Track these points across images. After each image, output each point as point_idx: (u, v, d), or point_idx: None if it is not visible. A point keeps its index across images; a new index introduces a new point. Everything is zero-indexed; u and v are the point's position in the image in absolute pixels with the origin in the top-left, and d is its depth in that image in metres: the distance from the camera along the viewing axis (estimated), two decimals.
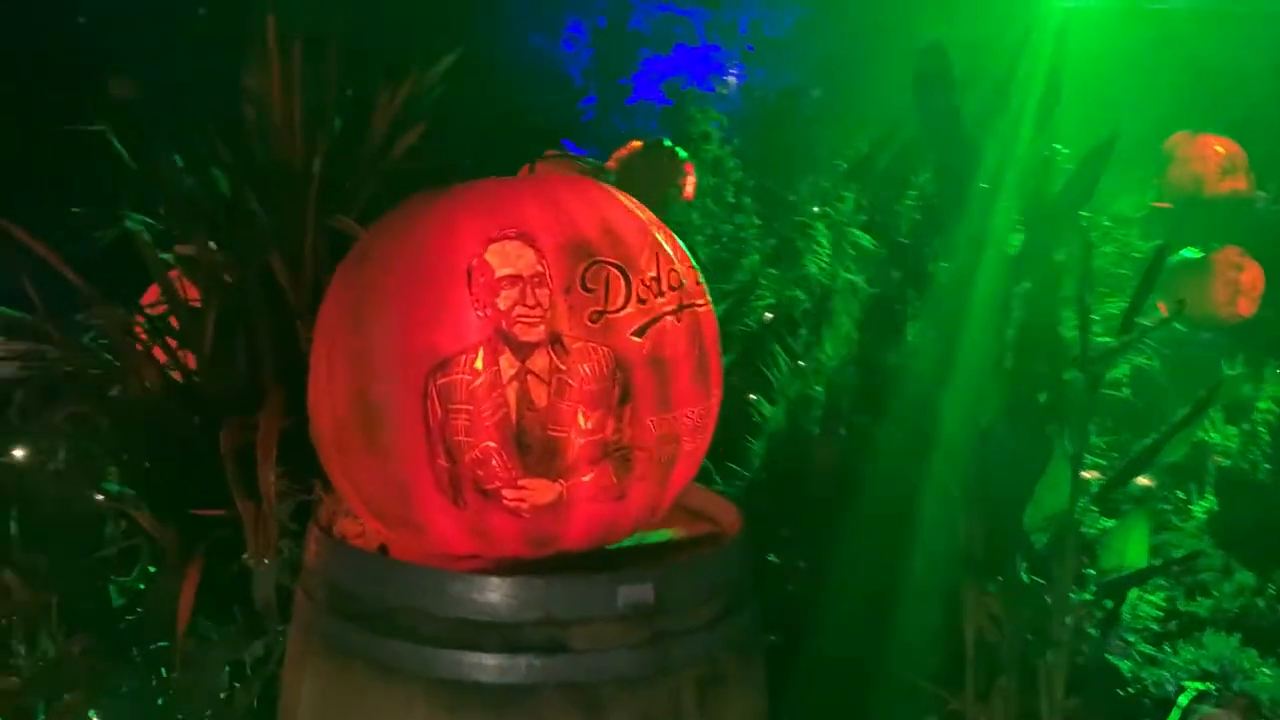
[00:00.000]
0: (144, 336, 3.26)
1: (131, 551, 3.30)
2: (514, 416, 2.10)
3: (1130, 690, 3.49)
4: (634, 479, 2.20)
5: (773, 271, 5.45)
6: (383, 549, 2.31)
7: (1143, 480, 4.13)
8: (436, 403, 2.09)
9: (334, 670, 2.20)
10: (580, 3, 9.98)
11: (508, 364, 2.09)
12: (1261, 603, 4.02)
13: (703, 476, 3.40)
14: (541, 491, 2.14)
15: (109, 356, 3.29)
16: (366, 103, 3.41)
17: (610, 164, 7.26)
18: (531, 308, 2.09)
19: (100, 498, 3.23)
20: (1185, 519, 4.36)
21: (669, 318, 2.21)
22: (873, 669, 3.30)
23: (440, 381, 2.08)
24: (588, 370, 2.12)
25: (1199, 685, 3.49)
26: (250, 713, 2.91)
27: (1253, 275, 5.68)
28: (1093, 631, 3.34)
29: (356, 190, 3.24)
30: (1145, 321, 3.31)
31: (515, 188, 2.23)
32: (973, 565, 3.03)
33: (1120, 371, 4.19)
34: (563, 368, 2.10)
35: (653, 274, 2.21)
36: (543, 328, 2.10)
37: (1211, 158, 6.23)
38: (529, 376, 2.10)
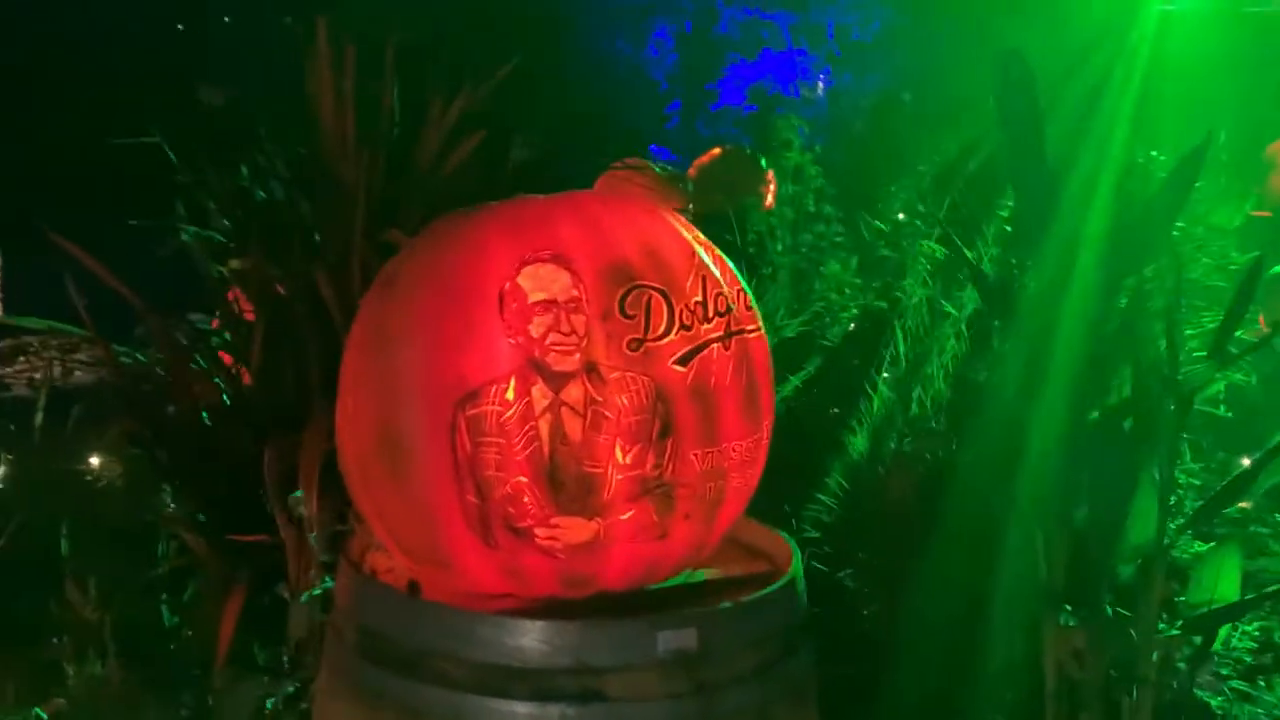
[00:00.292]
0: (197, 352, 3.21)
1: (185, 570, 3.26)
2: (547, 450, 1.98)
3: None
4: (677, 517, 2.07)
5: (857, 281, 5.33)
6: (413, 585, 2.20)
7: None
8: (465, 435, 1.98)
9: (362, 714, 2.10)
10: (667, 8, 9.90)
11: (540, 395, 1.97)
12: None
13: (775, 498, 3.30)
14: (576, 530, 2.02)
15: (162, 372, 3.24)
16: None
17: (690, 172, 7.16)
18: (566, 335, 1.97)
19: (154, 515, 3.18)
20: None
21: (715, 345, 2.08)
22: (950, 704, 3.20)
23: (469, 413, 1.97)
24: (626, 402, 1.99)
25: None
26: None
27: None
28: (1181, 665, 3.18)
29: (408, 203, 3.15)
30: (1244, 336, 3.13)
31: (551, 207, 2.11)
32: (1054, 596, 2.93)
33: (1215, 389, 4.01)
34: (599, 399, 1.98)
35: (698, 298, 2.08)
36: (578, 356, 1.98)
37: None
38: (563, 408, 1.98)
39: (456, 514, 2.01)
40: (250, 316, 3.20)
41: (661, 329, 2.03)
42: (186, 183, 3.33)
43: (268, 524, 2.85)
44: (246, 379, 3.19)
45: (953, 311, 4.04)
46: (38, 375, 4.72)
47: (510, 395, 1.97)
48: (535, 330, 1.97)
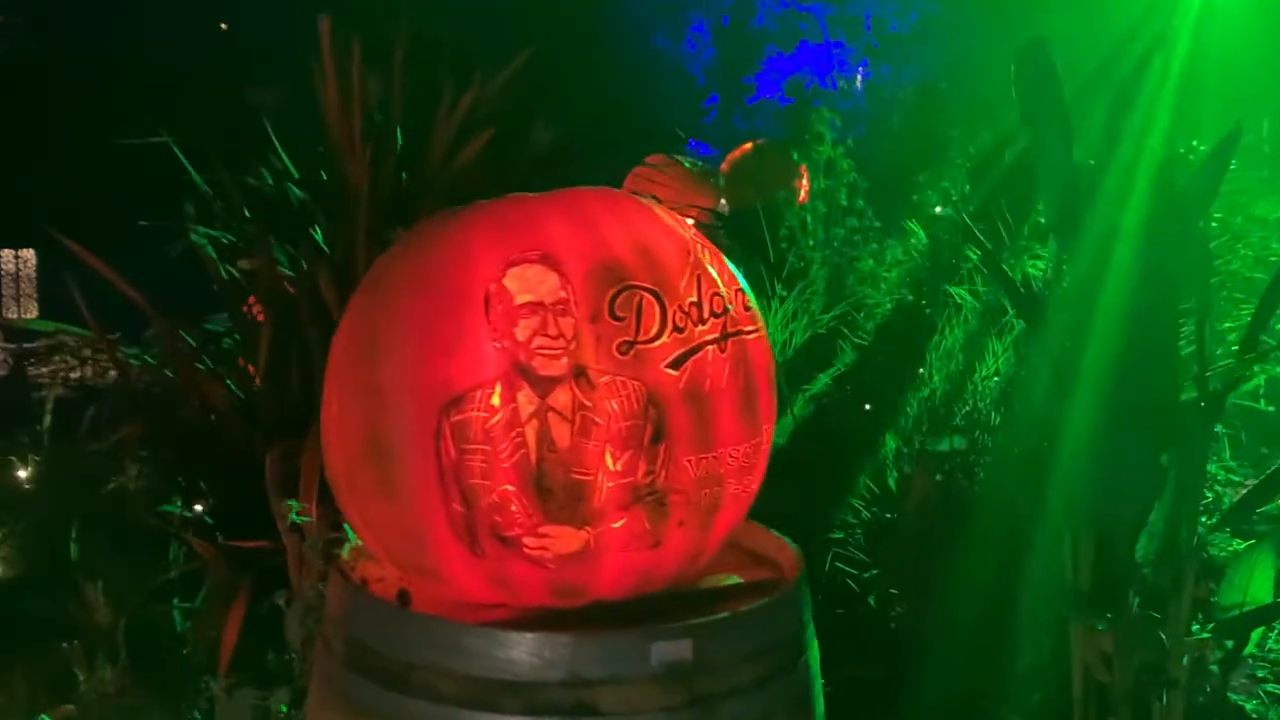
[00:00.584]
0: (205, 354, 3.18)
1: (197, 575, 3.22)
2: (534, 458, 1.91)
3: None
4: (670, 525, 2.00)
5: (890, 276, 5.26)
6: (403, 594, 2.14)
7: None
8: (450, 442, 1.91)
9: None
10: (704, 2, 9.82)
11: (526, 400, 1.91)
12: None
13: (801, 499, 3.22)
14: (565, 540, 1.95)
15: (170, 374, 3.22)
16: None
17: (723, 167, 7.10)
18: (553, 339, 1.91)
19: (160, 519, 3.15)
20: None
21: (710, 347, 2.01)
22: (975, 706, 3.17)
23: (454, 419, 1.91)
24: (616, 407, 1.92)
25: None
26: None
27: None
28: (1214, 668, 3.09)
29: (420, 200, 3.10)
30: None
31: (540, 205, 2.04)
32: (1080, 598, 2.87)
33: (1255, 382, 3.90)
34: (588, 404, 1.91)
35: (693, 299, 2.01)
36: (565, 360, 1.91)
37: None
38: (550, 414, 1.91)
39: (442, 522, 1.95)
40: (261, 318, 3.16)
41: (653, 331, 1.95)
42: (196, 182, 3.31)
43: (273, 529, 2.81)
44: (257, 381, 3.16)
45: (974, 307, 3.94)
46: (74, 375, 4.72)
47: (495, 401, 1.90)
48: (521, 333, 1.91)
